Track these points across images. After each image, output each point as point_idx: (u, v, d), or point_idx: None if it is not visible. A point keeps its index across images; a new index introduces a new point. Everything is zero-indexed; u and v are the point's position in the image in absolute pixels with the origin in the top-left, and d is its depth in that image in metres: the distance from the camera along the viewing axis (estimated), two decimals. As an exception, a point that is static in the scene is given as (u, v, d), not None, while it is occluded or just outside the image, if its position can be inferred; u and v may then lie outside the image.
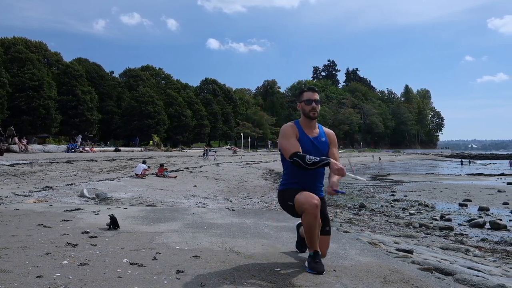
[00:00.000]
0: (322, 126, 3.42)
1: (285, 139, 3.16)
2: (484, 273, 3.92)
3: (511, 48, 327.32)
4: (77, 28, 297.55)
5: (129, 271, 2.84)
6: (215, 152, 36.72)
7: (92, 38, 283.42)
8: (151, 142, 46.48)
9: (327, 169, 3.06)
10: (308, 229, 3.04)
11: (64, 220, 4.82)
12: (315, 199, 3.02)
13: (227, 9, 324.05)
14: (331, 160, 3.02)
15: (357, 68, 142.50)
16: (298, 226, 3.68)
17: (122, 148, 38.70)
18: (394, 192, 17.08)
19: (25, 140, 28.53)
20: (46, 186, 10.17)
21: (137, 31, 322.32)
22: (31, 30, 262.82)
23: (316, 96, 3.27)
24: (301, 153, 3.06)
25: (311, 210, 2.97)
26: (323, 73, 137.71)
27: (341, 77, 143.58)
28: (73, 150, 29.91)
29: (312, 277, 2.82)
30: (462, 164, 55.36)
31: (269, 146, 75.19)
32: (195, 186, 13.81)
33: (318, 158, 3.01)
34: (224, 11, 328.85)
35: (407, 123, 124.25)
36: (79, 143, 34.84)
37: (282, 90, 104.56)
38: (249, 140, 58.39)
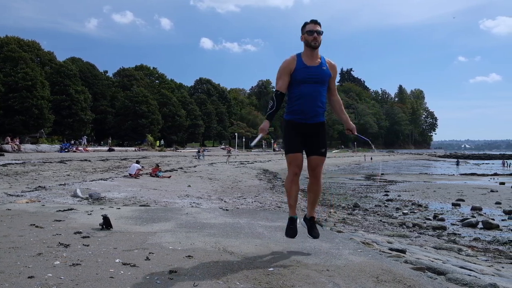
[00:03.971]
0: (325, 57, 3.57)
1: (278, 75, 3.48)
2: (476, 272, 3.95)
3: (504, 49, 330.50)
4: (70, 27, 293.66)
5: (122, 272, 2.82)
6: (229, 154, 35.95)
7: (85, 37, 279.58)
8: (157, 142, 46.47)
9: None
10: (286, 189, 3.59)
11: (57, 220, 4.79)
12: (298, 166, 3.43)
13: (220, 8, 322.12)
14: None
15: (351, 68, 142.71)
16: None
17: (116, 148, 38.54)
18: (388, 192, 17.16)
19: (17, 140, 28.31)
20: (39, 186, 10.10)
21: (130, 30, 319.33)
22: (24, 29, 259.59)
23: (318, 28, 3.43)
24: (280, 93, 3.41)
25: (290, 175, 3.47)
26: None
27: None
28: (66, 150, 29.76)
29: (305, 277, 2.82)
30: (457, 164, 54.39)
31: (264, 146, 75.16)
32: (189, 186, 13.78)
33: (274, 108, 3.37)
34: (217, 11, 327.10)
35: (401, 123, 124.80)
36: (84, 143, 34.75)
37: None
38: (243, 140, 58.38)
